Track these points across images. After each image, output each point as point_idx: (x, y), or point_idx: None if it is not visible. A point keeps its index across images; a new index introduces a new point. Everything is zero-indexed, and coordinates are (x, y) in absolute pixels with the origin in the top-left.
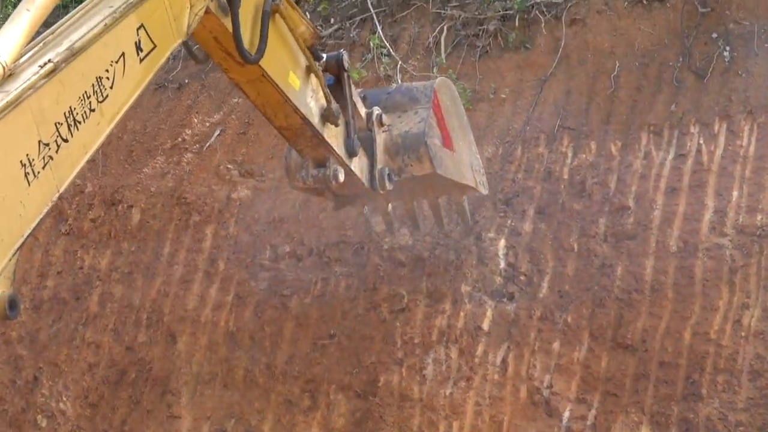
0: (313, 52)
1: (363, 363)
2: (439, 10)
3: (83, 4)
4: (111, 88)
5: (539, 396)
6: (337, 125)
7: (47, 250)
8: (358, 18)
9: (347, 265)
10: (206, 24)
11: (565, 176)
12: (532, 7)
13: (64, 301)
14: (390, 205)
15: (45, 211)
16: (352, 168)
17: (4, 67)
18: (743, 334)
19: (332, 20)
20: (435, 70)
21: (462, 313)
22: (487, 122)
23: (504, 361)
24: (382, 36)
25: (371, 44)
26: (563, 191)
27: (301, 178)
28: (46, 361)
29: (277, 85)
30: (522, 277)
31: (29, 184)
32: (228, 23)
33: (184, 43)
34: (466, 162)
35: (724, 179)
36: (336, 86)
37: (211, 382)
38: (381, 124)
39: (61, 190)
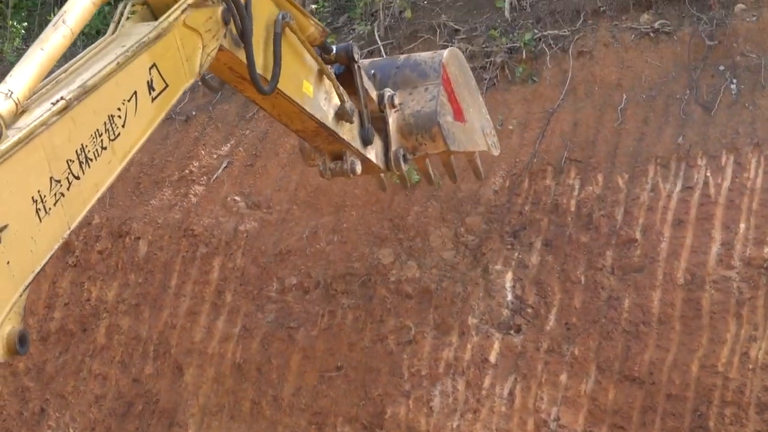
0: (323, 47)
1: (370, 395)
2: (446, 43)
3: (96, 43)
4: (123, 126)
5: (546, 428)
6: (351, 122)
7: (54, 281)
8: (365, 50)
9: (354, 297)
10: (220, 57)
11: (572, 208)
12: (539, 40)
13: (71, 332)
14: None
15: (56, 247)
16: (368, 156)
17: (17, 104)
18: (751, 366)
19: None
20: None
21: (469, 346)
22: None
23: (511, 393)
24: None
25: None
26: (570, 223)
27: (319, 169)
28: (53, 392)
29: (292, 99)
30: (529, 310)
31: (40, 221)
32: (241, 55)
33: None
34: (477, 128)
35: (731, 212)
36: (346, 75)
37: (218, 413)
38: (393, 105)
39: (72, 226)
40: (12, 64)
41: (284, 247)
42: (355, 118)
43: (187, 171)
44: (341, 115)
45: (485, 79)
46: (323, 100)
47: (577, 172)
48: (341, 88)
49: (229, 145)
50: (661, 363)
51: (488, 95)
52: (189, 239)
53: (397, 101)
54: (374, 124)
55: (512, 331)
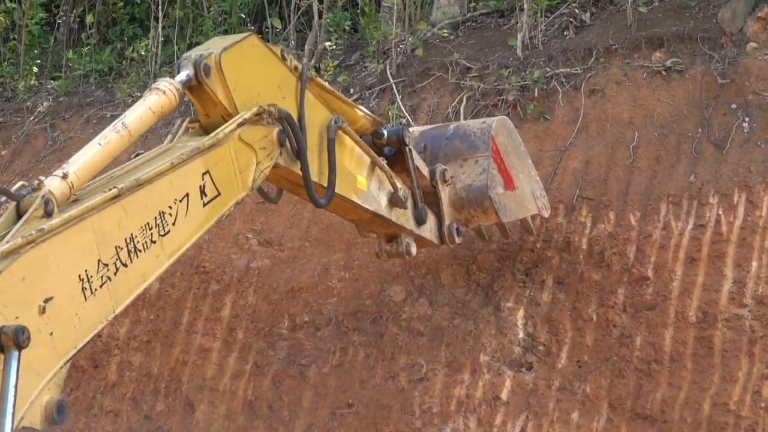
0: (373, 133)
1: None
2: (458, 81)
3: (152, 150)
4: (173, 224)
5: None
6: (405, 208)
7: None
8: (377, 88)
9: (365, 334)
10: (277, 171)
11: (584, 246)
12: (551, 78)
13: (83, 369)
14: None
15: (99, 328)
16: (422, 234)
17: (70, 189)
18: (763, 405)
19: (351, 90)
20: None
21: (480, 383)
22: None
23: (522, 430)
24: (402, 106)
25: (390, 114)
26: (582, 261)
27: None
28: (64, 429)
29: (348, 199)
30: (541, 347)
31: (86, 299)
32: (297, 168)
33: (259, 190)
34: (527, 193)
35: (744, 250)
36: (398, 155)
37: None
38: (445, 180)
39: (117, 311)
40: (24, 102)
41: (296, 284)
42: (409, 202)
43: None
44: (395, 202)
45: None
46: (377, 191)
47: (589, 209)
48: (393, 176)
49: None
50: (673, 401)
51: None
52: (201, 276)
53: (448, 176)
54: (426, 199)
55: (524, 369)
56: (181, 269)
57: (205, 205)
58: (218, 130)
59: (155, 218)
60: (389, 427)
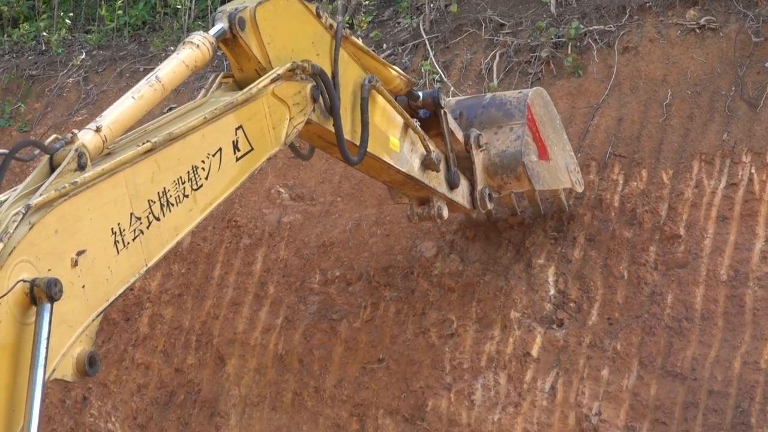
0: (410, 95)
1: (411, 387)
2: (491, 37)
3: (185, 105)
4: (206, 179)
5: (588, 423)
6: (438, 171)
7: None
8: (410, 44)
9: (396, 289)
10: (309, 128)
11: (616, 204)
12: (585, 34)
13: (114, 322)
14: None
15: (131, 281)
16: (455, 198)
17: (104, 142)
18: None
19: (384, 46)
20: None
21: (511, 339)
22: None
23: (553, 387)
24: (435, 62)
25: (423, 70)
26: (614, 219)
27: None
28: (96, 381)
29: (380, 158)
30: (572, 304)
31: (118, 252)
32: (330, 126)
33: (290, 146)
34: (561, 166)
35: None
36: (433, 119)
37: (260, 404)
38: (479, 145)
39: (150, 265)
40: (57, 56)
41: (327, 239)
42: (441, 165)
43: None
44: (427, 164)
45: (530, 74)
46: (409, 152)
47: (621, 167)
48: (427, 138)
49: None
50: (704, 359)
51: None
52: (232, 230)
53: (483, 141)
54: (460, 164)
55: (554, 326)
56: (213, 223)
57: (237, 159)
58: (252, 85)
59: (188, 172)
60: (419, 383)
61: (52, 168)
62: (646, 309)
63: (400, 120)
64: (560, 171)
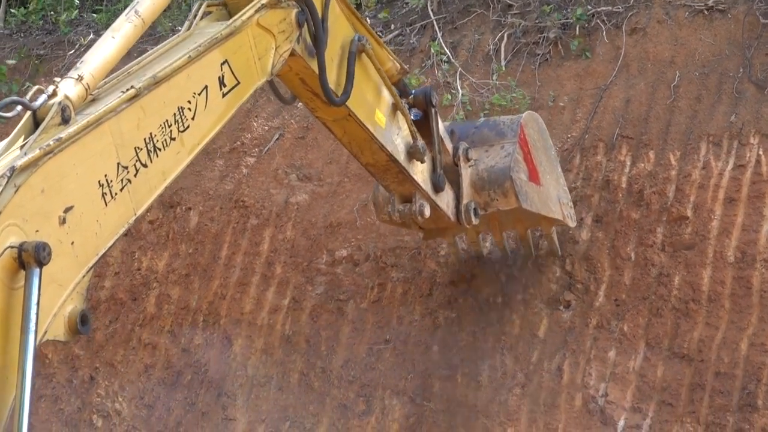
0: (400, 87)
1: (418, 368)
2: (499, 18)
3: (169, 40)
4: (192, 119)
5: (594, 404)
6: (423, 162)
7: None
8: (418, 24)
9: (404, 270)
10: (292, 65)
11: (624, 185)
12: (593, 15)
13: (122, 302)
14: (480, 235)
15: (120, 232)
16: (438, 203)
17: (86, 90)
18: None
19: (392, 26)
20: (494, 77)
21: (518, 321)
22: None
23: (559, 368)
24: (442, 42)
25: (431, 50)
26: (621, 200)
27: (387, 213)
28: (103, 361)
29: (363, 124)
30: (579, 286)
31: (106, 204)
32: (314, 65)
33: (270, 84)
34: (553, 196)
35: None
36: (423, 121)
37: (267, 385)
38: (467, 158)
39: (138, 213)
40: (65, 35)
41: (334, 219)
42: (428, 162)
43: (238, 143)
44: (413, 153)
45: (538, 55)
46: (395, 135)
47: (629, 148)
48: (414, 126)
49: (281, 117)
50: (710, 341)
51: (540, 70)
52: (240, 210)
53: (471, 155)
54: (447, 176)
55: (561, 307)
56: (221, 203)
57: (224, 95)
58: (236, 17)
59: (174, 114)
60: (426, 364)
61: (36, 123)
62: (653, 290)
63: (388, 97)
64: (551, 200)
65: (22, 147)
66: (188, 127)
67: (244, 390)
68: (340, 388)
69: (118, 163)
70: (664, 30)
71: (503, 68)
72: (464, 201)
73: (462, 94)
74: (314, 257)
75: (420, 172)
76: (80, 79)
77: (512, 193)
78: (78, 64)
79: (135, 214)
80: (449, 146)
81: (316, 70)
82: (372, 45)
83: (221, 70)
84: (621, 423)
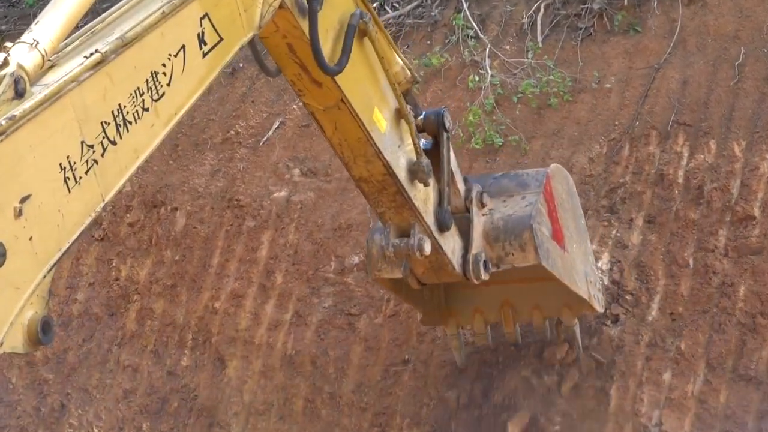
0: (408, 102)
1: (441, 394)
2: None
3: None
4: (168, 85)
5: None
6: (427, 184)
7: (78, 258)
8: None
9: None
10: (280, 24)
11: (680, 180)
12: None
13: (97, 317)
14: (488, 327)
15: (87, 222)
16: (442, 244)
17: (43, 57)
18: None
19: None
20: (530, 55)
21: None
22: (589, 116)
23: (606, 392)
24: (469, 15)
25: (455, 25)
26: (677, 197)
27: (379, 247)
28: (75, 386)
29: (358, 117)
30: (628, 297)
31: (69, 191)
32: (305, 25)
33: (254, 53)
34: (579, 269)
35: None
36: (433, 150)
37: (266, 413)
38: (482, 204)
39: (107, 198)
40: (30, 8)
41: (344, 220)
42: (433, 192)
43: (232, 132)
44: (415, 171)
45: (580, 29)
46: (395, 145)
47: (686, 137)
48: (421, 142)
49: (281, 102)
50: None
51: (583, 47)
52: (234, 211)
53: (487, 203)
54: (456, 223)
55: (608, 322)
56: (212, 202)
57: (205, 55)
58: None
59: (146, 81)
60: (451, 388)
61: None
62: (715, 302)
63: (391, 99)
64: (577, 272)
65: None
66: (163, 94)
67: (240, 419)
68: (351, 417)
69: (83, 142)
70: (727, 0)
71: (540, 45)
72: (473, 251)
73: (491, 75)
74: (321, 265)
75: (422, 198)
76: (36, 44)
77: (531, 247)
78: (32, 26)
79: (103, 200)
80: (461, 186)
81: (307, 32)
82: (378, 37)
83: (201, 25)
84: None
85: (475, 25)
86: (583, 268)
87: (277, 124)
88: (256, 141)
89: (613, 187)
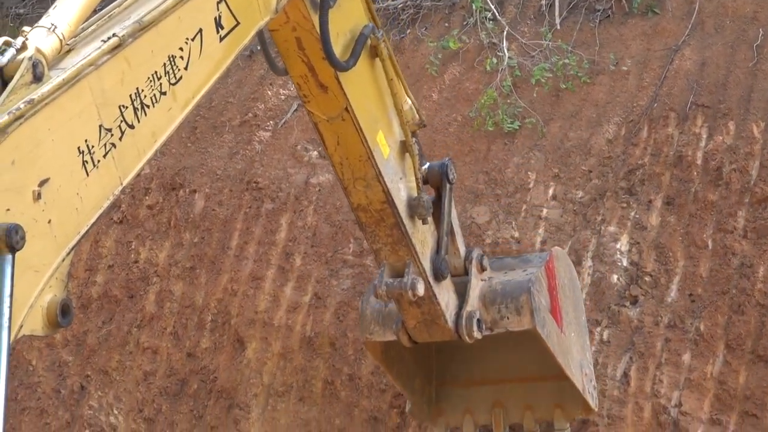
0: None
1: None
2: None
3: None
4: (185, 69)
5: (666, 416)
6: (425, 222)
7: (97, 240)
8: None
9: None
10: (291, 14)
11: (699, 161)
12: None
13: (116, 299)
14: (478, 430)
15: (105, 206)
16: (436, 293)
17: (61, 41)
18: None
19: None
20: (548, 37)
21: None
22: (607, 98)
23: (625, 374)
24: None
25: (473, 6)
26: (696, 179)
27: (373, 309)
28: (95, 368)
29: (361, 132)
30: (647, 278)
31: (87, 174)
32: (316, 20)
33: (264, 49)
34: (575, 357)
35: None
36: (435, 203)
37: (285, 394)
38: (481, 267)
39: (125, 182)
40: None
41: None
42: (431, 239)
43: (250, 114)
44: (415, 207)
45: (598, 11)
46: (398, 177)
47: (705, 119)
48: (422, 170)
49: None
50: None
51: (601, 29)
52: (252, 193)
53: (486, 267)
54: (454, 287)
55: (628, 303)
56: (230, 184)
57: (222, 39)
58: None
59: (164, 65)
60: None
61: (3, 83)
62: (734, 283)
63: (397, 128)
64: (573, 358)
65: None
66: (181, 78)
67: (259, 401)
68: (370, 398)
69: (101, 126)
70: None
71: (558, 27)
72: (468, 308)
73: (509, 58)
74: (339, 247)
75: (420, 240)
76: (53, 28)
77: (527, 310)
78: (50, 11)
79: (121, 184)
80: (461, 247)
81: (317, 25)
82: (388, 62)
83: (218, 9)
84: None
85: (492, 7)
86: (579, 358)
87: (295, 106)
88: (275, 123)
89: (632, 169)
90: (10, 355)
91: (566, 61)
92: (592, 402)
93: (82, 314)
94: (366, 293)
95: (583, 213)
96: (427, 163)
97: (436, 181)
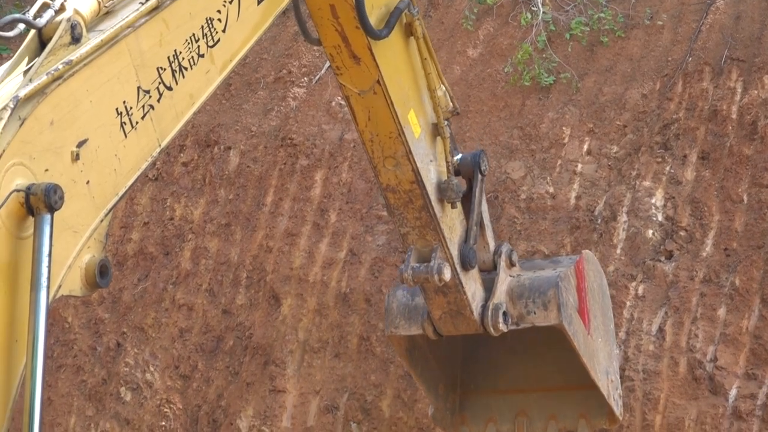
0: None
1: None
2: None
3: None
4: (223, 31)
5: (701, 370)
6: (454, 206)
7: (132, 197)
8: None
9: None
10: None
11: (734, 115)
12: None
13: (152, 256)
14: None
15: (143, 167)
16: (463, 282)
17: (99, 3)
18: None
19: None
20: None
21: (612, 274)
22: (642, 53)
23: (661, 329)
24: None
25: None
26: (731, 133)
27: (399, 303)
28: (131, 325)
29: (393, 107)
30: (682, 233)
31: (126, 136)
32: None
33: (298, 19)
34: (602, 361)
35: None
36: (466, 195)
37: (321, 351)
38: (511, 263)
39: (163, 144)
40: None
41: None
42: (460, 226)
43: (285, 71)
44: (444, 190)
45: None
46: (428, 159)
47: (740, 73)
48: (453, 161)
49: None
50: None
51: None
52: (287, 149)
53: (515, 263)
54: (482, 282)
55: (663, 258)
56: (265, 141)
57: (259, 2)
58: None
59: (202, 27)
60: None
61: (42, 44)
62: None
63: (430, 112)
64: (599, 362)
65: (26, 72)
66: (218, 41)
67: (295, 357)
68: None
69: (139, 87)
70: None
71: None
72: (494, 300)
73: (543, 12)
74: (374, 203)
75: (449, 225)
76: None
77: (554, 305)
78: None
79: (159, 146)
80: (491, 241)
81: None
82: (423, 41)
83: None
84: (733, 392)
85: None
86: (605, 363)
87: (329, 63)
88: (309, 80)
89: (667, 124)
90: (49, 314)
91: (601, 14)
92: (617, 410)
93: (118, 271)
94: (393, 288)
95: (618, 168)
96: (460, 154)
97: (468, 172)
